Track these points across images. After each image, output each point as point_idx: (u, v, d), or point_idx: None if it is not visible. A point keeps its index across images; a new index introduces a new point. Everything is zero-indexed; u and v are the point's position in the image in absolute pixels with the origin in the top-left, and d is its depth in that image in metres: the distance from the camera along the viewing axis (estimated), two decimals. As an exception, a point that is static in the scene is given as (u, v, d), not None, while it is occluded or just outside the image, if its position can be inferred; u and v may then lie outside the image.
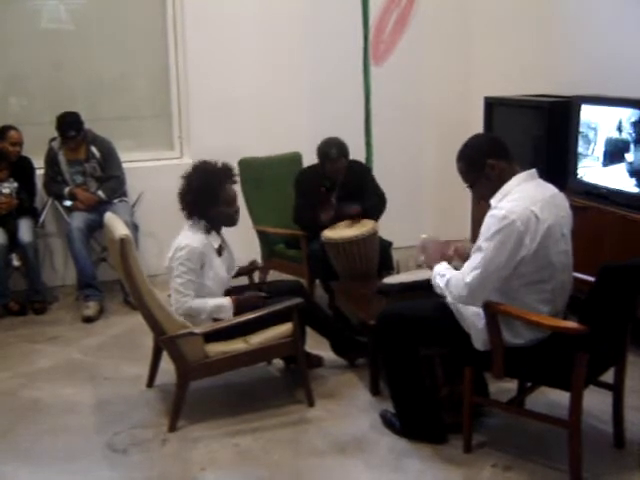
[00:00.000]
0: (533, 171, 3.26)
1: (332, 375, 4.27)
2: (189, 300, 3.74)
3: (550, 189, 3.26)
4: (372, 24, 6.42)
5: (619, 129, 4.44)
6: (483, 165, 3.23)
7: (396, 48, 6.55)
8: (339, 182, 5.10)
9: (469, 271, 3.13)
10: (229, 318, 3.80)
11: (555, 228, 3.14)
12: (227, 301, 3.84)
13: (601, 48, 5.11)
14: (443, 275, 3.28)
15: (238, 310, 3.83)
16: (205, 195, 3.82)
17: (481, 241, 3.12)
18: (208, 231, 3.87)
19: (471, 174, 3.29)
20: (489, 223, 3.11)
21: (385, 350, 3.51)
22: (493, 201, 3.21)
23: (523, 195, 3.14)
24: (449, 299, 3.27)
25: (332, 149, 4.99)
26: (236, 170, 3.97)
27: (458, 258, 3.47)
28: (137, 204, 5.93)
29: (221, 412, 3.88)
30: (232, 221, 3.96)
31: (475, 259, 3.13)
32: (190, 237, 3.80)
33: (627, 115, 4.38)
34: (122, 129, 6.22)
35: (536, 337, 3.20)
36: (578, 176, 4.81)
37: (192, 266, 3.75)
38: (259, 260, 5.34)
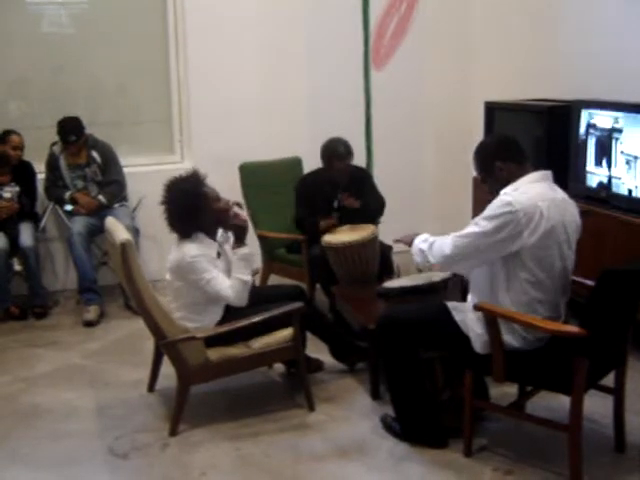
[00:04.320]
0: (548, 173, 3.30)
1: (332, 379, 4.27)
2: (230, 291, 3.75)
3: (561, 193, 3.28)
4: (372, 29, 6.44)
5: (620, 133, 4.43)
6: (492, 166, 3.31)
7: (396, 53, 6.56)
8: (341, 187, 5.11)
9: (459, 235, 3.22)
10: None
11: (559, 230, 3.15)
12: (235, 258, 3.83)
13: (602, 52, 5.11)
14: (426, 240, 3.38)
15: (240, 238, 3.86)
16: (191, 202, 3.77)
17: (480, 217, 3.18)
18: (202, 241, 3.83)
19: (482, 172, 3.40)
20: (494, 205, 3.16)
21: (385, 354, 3.52)
22: (502, 192, 3.24)
23: (532, 191, 3.17)
24: (430, 260, 3.33)
25: (340, 147, 5.00)
26: (203, 174, 3.91)
27: None
28: (138, 208, 5.94)
29: (222, 416, 3.88)
30: (224, 218, 3.88)
31: (468, 229, 3.20)
32: (193, 248, 3.75)
33: (628, 119, 4.38)
34: (123, 133, 6.23)
35: (537, 340, 3.20)
36: (578, 180, 4.81)
37: (210, 266, 3.74)
38: (259, 264, 5.35)
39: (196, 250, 3.75)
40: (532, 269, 3.14)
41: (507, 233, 3.09)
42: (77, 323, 5.31)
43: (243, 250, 3.84)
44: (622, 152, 4.41)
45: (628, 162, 4.37)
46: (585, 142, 4.71)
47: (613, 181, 4.51)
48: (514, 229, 3.08)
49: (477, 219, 3.19)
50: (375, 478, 3.33)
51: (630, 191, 4.36)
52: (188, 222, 3.80)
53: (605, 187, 4.56)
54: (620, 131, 4.42)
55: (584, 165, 4.74)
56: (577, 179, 4.82)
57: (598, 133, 4.62)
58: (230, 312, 3.89)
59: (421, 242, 3.41)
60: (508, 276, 3.18)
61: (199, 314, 3.83)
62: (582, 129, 4.73)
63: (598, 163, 4.63)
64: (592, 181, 4.70)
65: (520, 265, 3.14)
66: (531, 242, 3.09)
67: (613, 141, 4.48)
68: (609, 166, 4.53)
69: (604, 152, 4.56)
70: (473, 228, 3.18)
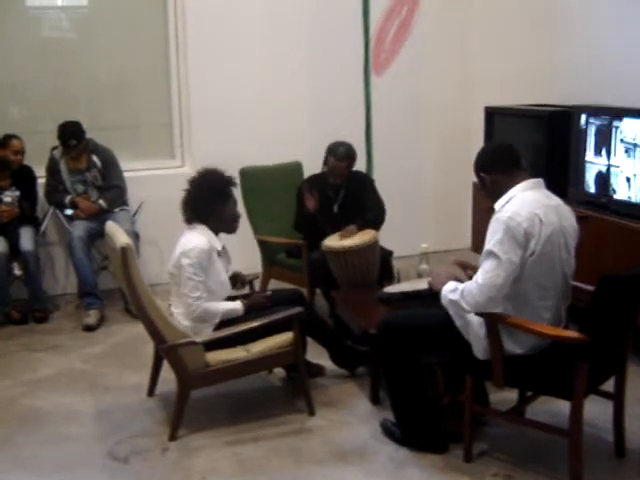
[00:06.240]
0: (539, 180, 3.30)
1: (333, 384, 4.27)
2: (202, 302, 3.78)
3: (555, 200, 3.29)
4: (373, 34, 6.45)
5: (620, 121, 4.44)
6: (479, 177, 3.38)
7: (397, 58, 6.57)
8: (342, 191, 5.13)
9: (485, 275, 3.12)
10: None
11: (557, 235, 3.16)
12: (238, 305, 3.92)
13: (602, 57, 5.12)
14: (454, 290, 3.24)
15: (247, 311, 3.93)
16: (216, 195, 3.90)
17: (491, 245, 3.12)
18: (208, 233, 3.91)
19: (478, 180, 3.43)
20: (495, 227, 3.13)
21: (386, 359, 3.52)
22: (497, 205, 3.26)
23: (526, 200, 3.17)
24: (466, 309, 3.20)
25: (341, 148, 5.03)
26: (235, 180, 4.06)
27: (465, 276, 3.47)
28: (138, 213, 5.94)
29: (222, 421, 3.88)
30: (235, 222, 4.02)
31: (490, 264, 3.11)
32: (196, 239, 3.83)
33: (627, 125, 4.39)
34: (123, 138, 6.24)
35: (537, 346, 3.21)
36: (578, 185, 4.82)
37: (202, 267, 3.79)
38: (259, 269, 5.36)
39: (204, 241, 3.82)
40: (538, 278, 3.15)
41: (521, 244, 3.08)
42: (77, 327, 5.31)
43: (234, 306, 3.92)
44: (622, 140, 4.43)
45: (627, 150, 4.38)
46: (585, 137, 4.73)
47: (612, 170, 4.53)
48: (524, 238, 3.08)
49: (489, 248, 3.12)
50: (375, 483, 3.34)
51: (628, 179, 4.39)
52: (202, 212, 3.90)
53: (605, 193, 4.58)
54: (620, 119, 4.45)
55: (584, 170, 4.76)
56: (577, 184, 4.83)
57: (598, 122, 4.64)
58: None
59: (450, 293, 3.26)
60: (514, 288, 3.17)
61: None
62: (582, 124, 4.76)
63: (597, 153, 4.65)
64: (591, 172, 4.71)
65: (526, 276, 3.13)
66: (537, 250, 3.10)
67: (613, 129, 4.50)
68: (608, 155, 4.55)
69: (604, 141, 4.58)
70: (492, 261, 3.10)
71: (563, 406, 3.23)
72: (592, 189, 4.72)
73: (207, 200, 3.91)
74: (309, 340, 4.22)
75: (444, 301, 3.30)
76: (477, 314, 3.19)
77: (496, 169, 3.31)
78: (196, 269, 3.77)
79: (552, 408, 3.66)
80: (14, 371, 4.61)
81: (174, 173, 6.10)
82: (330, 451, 3.57)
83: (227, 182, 3.96)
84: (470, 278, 3.27)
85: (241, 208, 5.31)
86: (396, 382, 3.51)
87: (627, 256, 4.21)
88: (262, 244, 5.44)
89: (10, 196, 5.44)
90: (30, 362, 4.75)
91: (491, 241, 3.13)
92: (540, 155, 5.06)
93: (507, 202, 3.21)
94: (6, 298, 5.38)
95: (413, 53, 6.59)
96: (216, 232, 3.98)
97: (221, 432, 3.77)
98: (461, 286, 3.23)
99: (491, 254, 3.12)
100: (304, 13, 6.28)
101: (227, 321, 3.86)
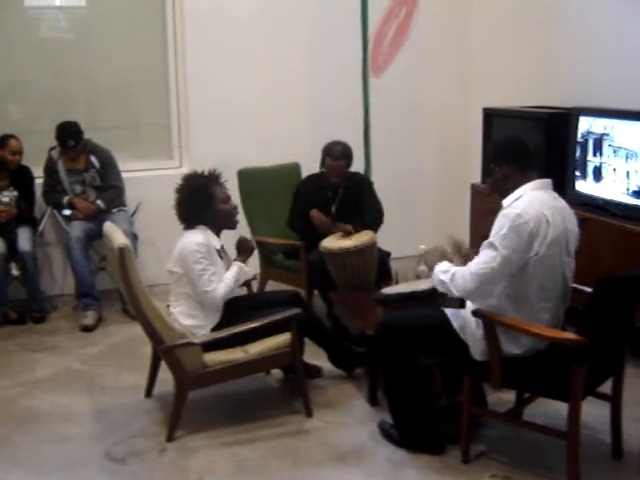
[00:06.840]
0: (548, 181, 3.31)
1: (330, 385, 4.27)
2: (219, 290, 3.84)
3: (561, 202, 3.30)
4: (371, 36, 6.45)
5: (617, 140, 4.45)
6: (489, 167, 3.39)
7: (395, 60, 6.57)
8: (340, 192, 5.13)
9: (479, 264, 3.14)
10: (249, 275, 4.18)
11: (561, 237, 3.17)
12: (235, 266, 4.02)
13: (600, 60, 5.12)
14: (446, 271, 3.28)
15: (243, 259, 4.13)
16: (199, 198, 3.92)
17: (493, 238, 3.14)
18: (206, 232, 3.93)
19: (487, 168, 3.44)
20: (502, 222, 3.14)
21: (383, 360, 3.52)
22: (505, 201, 3.26)
23: (535, 199, 3.18)
24: (453, 293, 3.25)
25: (336, 147, 5.05)
26: (223, 175, 4.08)
27: (458, 256, 3.50)
28: (136, 213, 5.94)
29: (219, 422, 3.88)
30: (231, 217, 4.04)
31: (487, 254, 3.14)
32: (194, 237, 3.87)
33: (625, 127, 4.39)
34: (122, 138, 6.24)
35: (535, 347, 3.21)
36: (576, 187, 4.82)
37: (207, 260, 3.83)
38: (257, 270, 5.35)
39: (201, 238, 3.86)
40: (540, 279, 3.15)
41: (524, 243, 3.09)
42: (75, 328, 5.30)
43: (235, 270, 4.01)
44: (619, 142, 4.46)
45: (625, 152, 4.40)
46: (583, 139, 4.75)
47: (609, 169, 4.55)
48: (528, 238, 3.09)
49: (491, 240, 3.15)
50: (373, 484, 3.34)
51: (627, 187, 4.40)
52: (193, 215, 3.94)
53: (603, 195, 4.59)
54: (619, 120, 4.49)
55: (582, 171, 4.76)
56: (575, 186, 4.83)
57: (596, 124, 4.65)
58: (228, 315, 3.91)
59: (441, 273, 3.30)
60: (515, 287, 3.18)
61: (195, 309, 3.88)
62: (579, 136, 4.76)
63: (595, 154, 4.67)
64: (589, 173, 4.72)
65: (528, 276, 3.14)
66: (541, 252, 3.11)
67: (611, 131, 4.52)
68: (607, 156, 4.57)
69: (601, 143, 4.61)
70: (491, 252, 3.13)
71: (561, 408, 3.23)
72: (590, 191, 4.73)
73: (193, 205, 3.93)
74: (307, 341, 4.22)
75: (434, 278, 3.34)
76: (475, 315, 3.20)
77: (512, 162, 3.29)
78: (202, 265, 3.81)
79: (550, 410, 3.66)
80: (12, 371, 4.60)
81: (172, 174, 6.06)
82: (328, 452, 3.58)
83: (208, 182, 3.97)
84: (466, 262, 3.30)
85: (239, 209, 5.34)
86: (394, 383, 3.51)
87: (624, 258, 4.21)
88: (260, 245, 5.43)
89: (8, 196, 5.44)
90: (28, 362, 4.74)
91: (495, 234, 3.14)
92: (539, 157, 5.03)
93: (516, 199, 3.21)
94: (4, 298, 5.38)
95: (411, 54, 6.59)
96: (217, 232, 4.00)
97: (219, 433, 3.77)
98: (454, 269, 3.27)
99: (491, 246, 3.14)
100: (304, 14, 6.28)
101: (226, 322, 3.87)
